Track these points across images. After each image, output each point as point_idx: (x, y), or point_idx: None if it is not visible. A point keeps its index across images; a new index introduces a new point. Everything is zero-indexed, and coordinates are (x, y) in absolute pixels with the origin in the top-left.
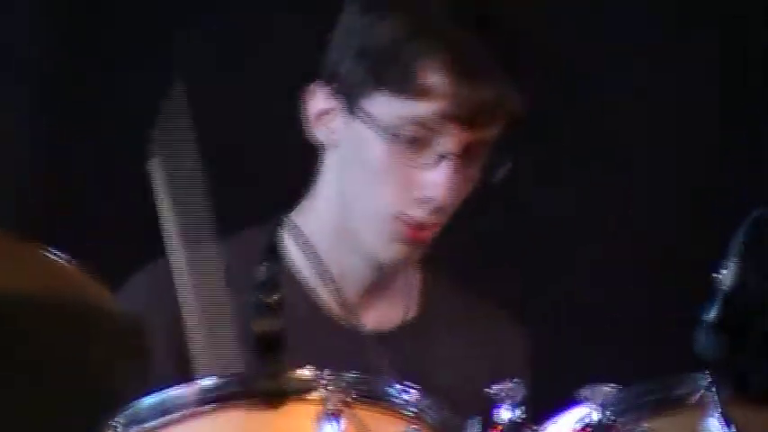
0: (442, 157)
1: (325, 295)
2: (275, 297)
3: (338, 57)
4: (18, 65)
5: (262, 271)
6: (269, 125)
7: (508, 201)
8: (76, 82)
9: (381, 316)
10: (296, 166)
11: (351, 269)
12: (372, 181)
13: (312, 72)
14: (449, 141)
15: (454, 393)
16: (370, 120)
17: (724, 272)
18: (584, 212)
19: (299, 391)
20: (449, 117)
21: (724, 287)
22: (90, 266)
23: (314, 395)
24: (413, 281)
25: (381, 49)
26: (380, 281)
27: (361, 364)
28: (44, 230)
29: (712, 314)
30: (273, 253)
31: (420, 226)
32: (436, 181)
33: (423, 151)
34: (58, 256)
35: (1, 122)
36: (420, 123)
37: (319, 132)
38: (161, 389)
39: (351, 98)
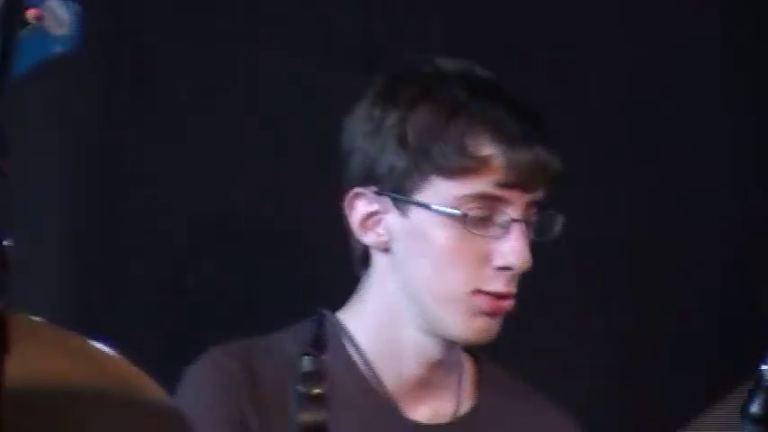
0: (510, 224)
1: (387, 383)
2: (319, 389)
3: (373, 155)
4: None
5: (305, 363)
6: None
7: None
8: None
9: (434, 409)
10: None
11: (413, 349)
12: (442, 265)
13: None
14: (514, 209)
15: None
16: (429, 208)
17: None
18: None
19: None
20: (509, 185)
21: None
22: (135, 359)
23: None
24: (466, 373)
25: (424, 135)
26: (443, 366)
27: None
28: (89, 322)
29: (756, 407)
30: (318, 345)
31: (499, 297)
32: (514, 249)
33: (490, 224)
34: (105, 348)
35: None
36: (483, 197)
37: (367, 237)
38: None
39: (399, 194)
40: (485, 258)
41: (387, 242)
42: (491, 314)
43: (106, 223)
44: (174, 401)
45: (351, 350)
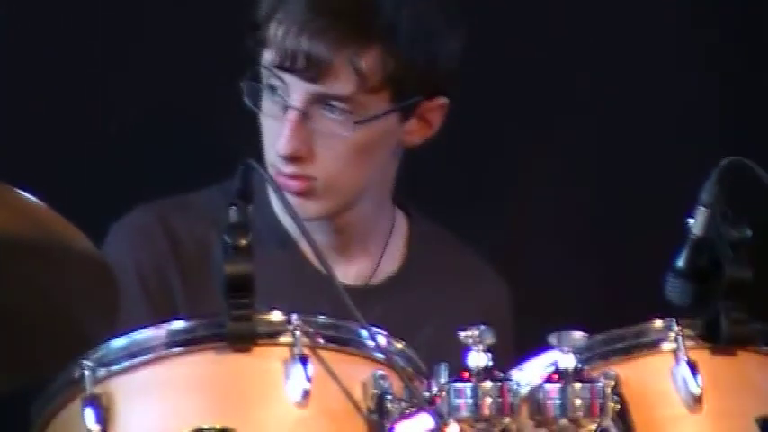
0: (285, 109)
1: (306, 246)
2: (244, 240)
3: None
4: None
5: (232, 214)
6: None
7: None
8: None
9: (363, 268)
10: None
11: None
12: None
13: None
14: (294, 96)
15: (436, 344)
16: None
17: (693, 220)
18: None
19: (268, 335)
20: (281, 66)
21: (693, 235)
22: (62, 209)
23: (282, 338)
24: (398, 233)
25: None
26: (353, 233)
27: (339, 314)
28: (16, 171)
29: (682, 261)
30: (243, 196)
31: (288, 176)
32: (280, 132)
33: (278, 105)
34: (31, 197)
35: None
36: (269, 73)
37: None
38: (130, 331)
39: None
40: (272, 138)
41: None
42: (288, 191)
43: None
44: (97, 250)
45: (277, 206)
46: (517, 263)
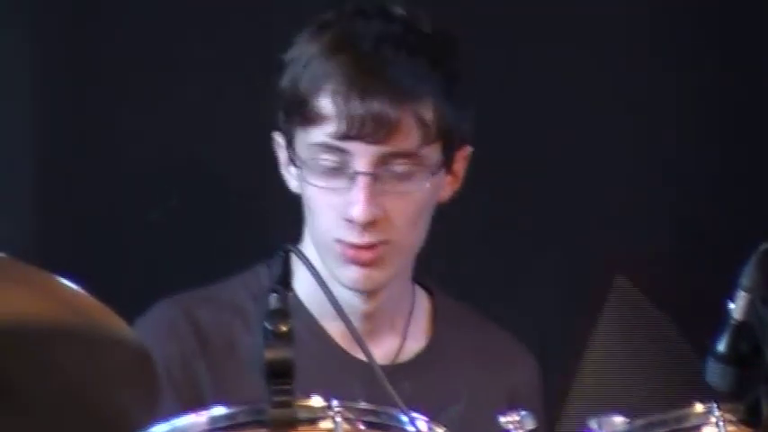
0: (354, 176)
1: (332, 327)
2: (285, 326)
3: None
4: None
5: (272, 300)
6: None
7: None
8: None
9: (388, 348)
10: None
11: (344, 303)
12: (312, 214)
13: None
14: (359, 161)
15: (467, 423)
16: (297, 157)
17: (734, 304)
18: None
19: (309, 421)
20: (346, 136)
21: (734, 319)
22: (102, 297)
23: (323, 425)
24: (420, 310)
25: (287, 87)
26: (380, 314)
27: (371, 395)
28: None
29: (723, 346)
30: (283, 282)
31: (359, 247)
32: (353, 201)
33: (339, 175)
34: (71, 285)
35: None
36: (327, 149)
37: (290, 182)
38: (171, 418)
39: (288, 143)
40: (337, 209)
41: (296, 186)
42: (359, 263)
43: (73, 162)
44: (137, 337)
45: (301, 293)
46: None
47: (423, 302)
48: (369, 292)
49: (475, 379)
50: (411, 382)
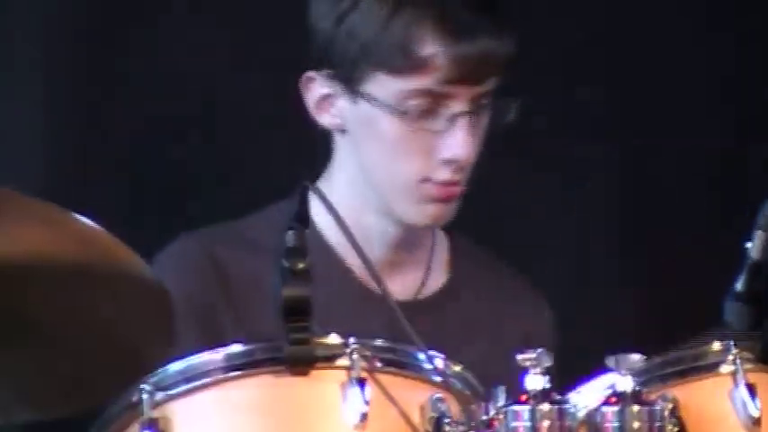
0: (455, 117)
1: (354, 262)
2: (302, 264)
3: (327, 42)
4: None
5: (289, 238)
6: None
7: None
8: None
9: (411, 282)
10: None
11: (377, 233)
12: (391, 154)
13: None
14: (459, 102)
15: (484, 362)
16: (374, 100)
17: (751, 243)
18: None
19: (326, 358)
20: (454, 80)
21: (752, 258)
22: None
23: (340, 362)
24: (441, 247)
25: (370, 28)
26: (408, 245)
27: (391, 331)
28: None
29: (740, 284)
30: (300, 219)
31: (448, 185)
32: (458, 142)
33: (435, 117)
34: (88, 222)
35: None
36: (426, 94)
37: (323, 118)
38: (187, 355)
39: (350, 82)
40: (431, 150)
41: (341, 124)
42: (442, 200)
43: (90, 98)
44: (155, 274)
45: (324, 228)
46: (566, 285)
47: (442, 240)
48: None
49: (492, 318)
50: (431, 318)
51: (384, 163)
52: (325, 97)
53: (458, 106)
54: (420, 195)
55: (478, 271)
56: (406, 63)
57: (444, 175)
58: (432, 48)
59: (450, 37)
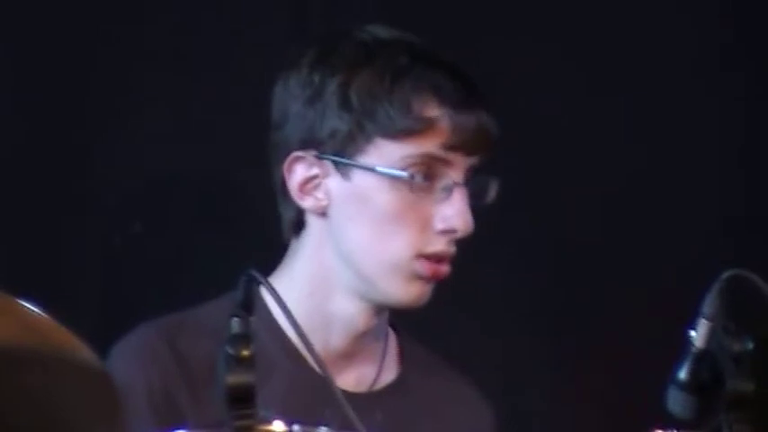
0: (452, 187)
1: (304, 351)
2: (246, 351)
3: (312, 120)
4: None
5: (233, 325)
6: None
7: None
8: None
9: (365, 374)
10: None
11: (342, 321)
12: (385, 229)
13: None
14: (456, 171)
15: None
16: (374, 171)
17: (695, 332)
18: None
19: None
20: (454, 147)
21: (695, 347)
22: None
23: None
24: (391, 341)
25: (368, 97)
26: (369, 335)
27: (343, 420)
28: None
29: (684, 373)
30: (245, 307)
31: (440, 259)
32: (456, 211)
33: (432, 187)
34: (33, 308)
35: None
36: (429, 159)
37: (305, 202)
38: None
39: (342, 157)
40: (427, 222)
41: (325, 207)
42: (428, 279)
43: (37, 185)
44: (100, 361)
45: (278, 315)
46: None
47: (392, 336)
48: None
49: (438, 419)
50: (384, 410)
51: (375, 240)
52: (311, 179)
53: (456, 176)
54: (410, 272)
55: (426, 371)
56: (409, 125)
57: (439, 245)
58: (435, 111)
59: (451, 104)
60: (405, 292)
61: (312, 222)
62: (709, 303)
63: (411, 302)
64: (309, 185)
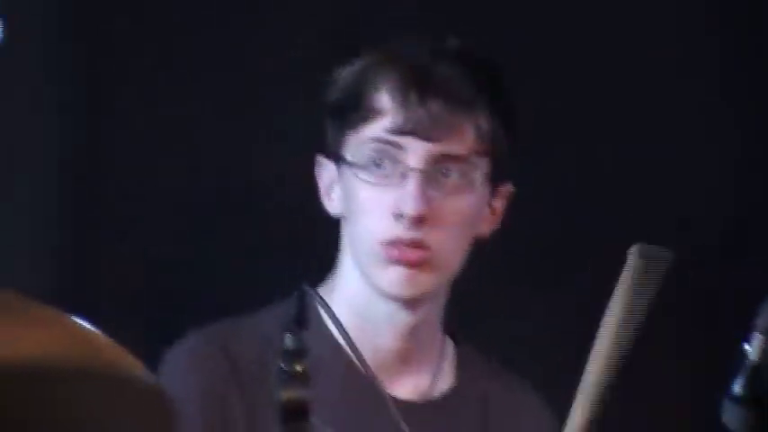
0: (407, 172)
1: (366, 357)
2: (300, 366)
3: (325, 124)
4: None
5: (287, 340)
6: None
7: None
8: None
9: (414, 385)
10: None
11: (385, 319)
12: (359, 219)
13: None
14: (412, 156)
15: None
16: (347, 163)
17: (750, 345)
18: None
19: None
20: (402, 130)
21: (751, 361)
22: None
23: None
24: (448, 349)
25: (338, 96)
26: (418, 335)
27: (397, 430)
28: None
29: (739, 387)
30: (299, 322)
31: (403, 244)
32: (404, 195)
33: (393, 173)
34: (83, 323)
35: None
36: (379, 143)
37: (330, 206)
38: None
39: (335, 155)
40: (387, 209)
41: (339, 208)
42: (404, 263)
43: (85, 204)
44: (154, 377)
45: (330, 326)
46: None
47: (449, 343)
48: (412, 301)
49: (498, 428)
50: (442, 420)
51: (354, 233)
52: (328, 183)
53: (411, 161)
54: (386, 257)
55: (483, 379)
56: (362, 112)
57: (396, 230)
58: (387, 98)
59: (408, 91)
60: (385, 279)
61: (343, 225)
62: (764, 316)
63: (397, 290)
64: (328, 189)
